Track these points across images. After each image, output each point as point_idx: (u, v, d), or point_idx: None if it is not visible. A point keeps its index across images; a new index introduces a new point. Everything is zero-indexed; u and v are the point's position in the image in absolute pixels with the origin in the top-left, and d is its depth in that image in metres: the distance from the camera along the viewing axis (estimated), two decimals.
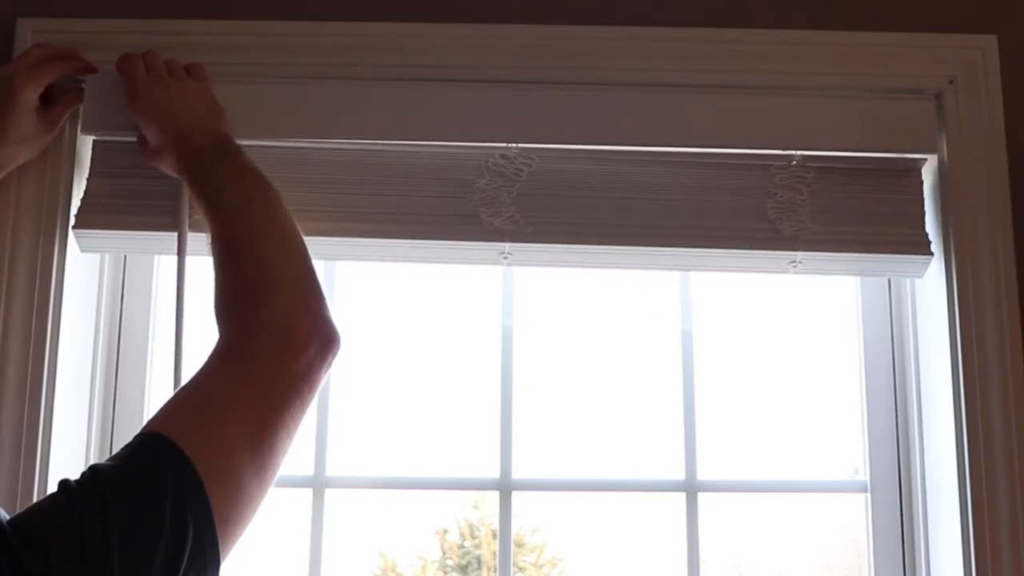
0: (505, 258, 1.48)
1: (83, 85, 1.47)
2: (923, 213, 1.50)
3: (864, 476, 1.59)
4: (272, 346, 1.14)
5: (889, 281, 1.61)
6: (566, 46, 1.51)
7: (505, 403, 1.59)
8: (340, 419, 1.60)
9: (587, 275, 1.65)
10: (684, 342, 1.62)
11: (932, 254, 1.48)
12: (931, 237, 1.50)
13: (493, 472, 1.58)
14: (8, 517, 0.99)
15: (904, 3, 1.55)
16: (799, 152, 1.50)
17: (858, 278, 1.62)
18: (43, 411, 1.40)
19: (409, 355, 1.66)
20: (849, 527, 1.63)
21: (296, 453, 1.58)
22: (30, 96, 1.39)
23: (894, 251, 1.49)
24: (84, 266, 1.51)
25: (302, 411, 1.15)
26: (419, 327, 1.67)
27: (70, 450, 1.48)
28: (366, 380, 1.64)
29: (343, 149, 1.50)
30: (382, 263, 1.61)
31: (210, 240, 1.28)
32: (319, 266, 1.61)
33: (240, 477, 1.06)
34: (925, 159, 1.52)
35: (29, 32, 1.50)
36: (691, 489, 1.58)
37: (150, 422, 1.08)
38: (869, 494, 1.57)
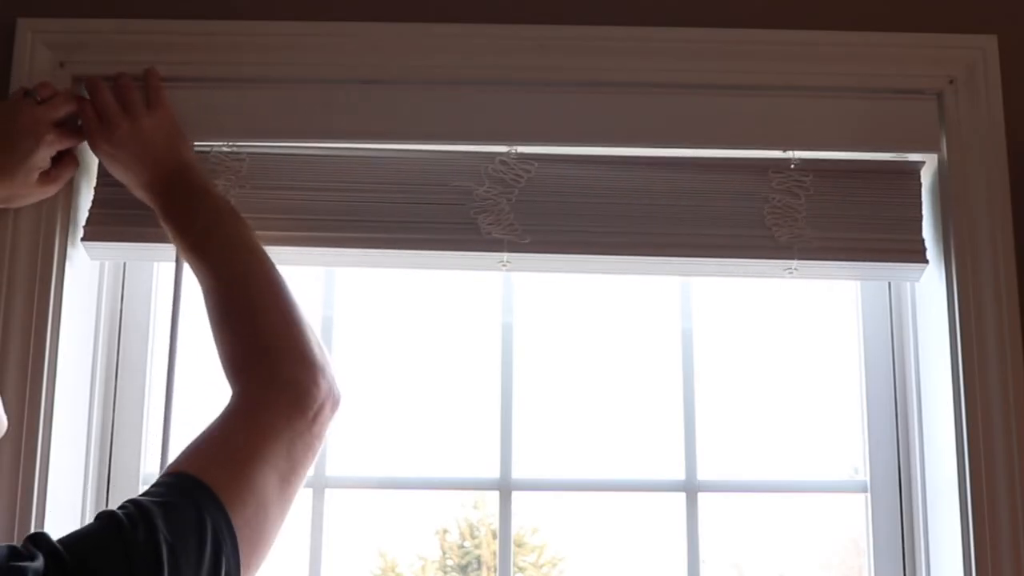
0: (504, 266, 1.49)
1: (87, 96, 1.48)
2: (920, 217, 1.50)
3: (864, 476, 1.59)
4: (292, 410, 1.21)
5: (889, 282, 1.61)
6: (566, 46, 1.51)
7: (505, 403, 1.59)
8: (340, 419, 1.60)
9: (587, 276, 1.65)
10: (684, 342, 1.62)
11: (927, 262, 1.48)
12: (930, 238, 1.50)
13: (493, 472, 1.58)
14: (54, 538, 1.01)
15: (904, 3, 1.55)
16: (798, 153, 1.50)
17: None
18: (43, 411, 1.41)
19: (409, 354, 1.66)
20: (849, 527, 1.63)
21: None
22: (46, 157, 1.40)
23: (890, 258, 1.49)
24: (84, 268, 1.51)
25: (312, 464, 1.24)
26: (419, 326, 1.67)
27: (70, 450, 1.48)
28: (366, 380, 1.64)
29: (340, 155, 1.50)
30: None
31: (203, 291, 1.32)
32: (318, 273, 1.62)
33: (266, 530, 1.14)
34: (923, 161, 1.52)
35: (29, 32, 1.50)
36: (691, 489, 1.58)
37: (179, 463, 1.13)
38: (869, 494, 1.57)
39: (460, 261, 1.50)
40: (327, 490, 1.57)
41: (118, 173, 1.43)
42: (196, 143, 1.49)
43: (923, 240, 1.49)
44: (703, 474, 1.58)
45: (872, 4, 1.55)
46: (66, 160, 1.45)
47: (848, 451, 1.62)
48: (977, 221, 1.47)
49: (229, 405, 1.21)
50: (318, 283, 1.63)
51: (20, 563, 0.95)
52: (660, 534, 1.61)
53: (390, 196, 1.49)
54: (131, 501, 1.06)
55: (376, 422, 1.64)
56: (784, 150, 1.51)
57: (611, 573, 1.62)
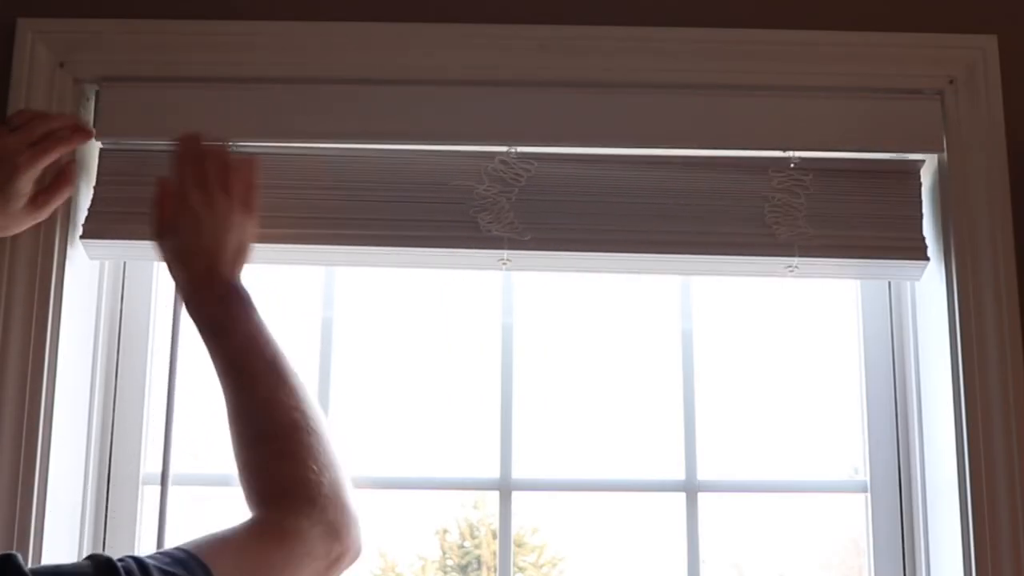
0: (504, 264, 1.49)
1: (88, 96, 1.50)
2: (921, 216, 1.50)
3: (864, 476, 1.59)
4: (319, 550, 1.15)
5: (889, 281, 1.61)
6: (566, 46, 1.51)
7: (505, 403, 1.59)
8: (340, 419, 1.60)
9: (587, 276, 1.65)
10: (684, 342, 1.62)
11: (929, 259, 1.48)
12: (930, 238, 1.50)
13: (493, 472, 1.58)
14: (23, 563, 0.97)
15: (904, 3, 1.55)
16: (798, 153, 1.50)
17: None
18: (43, 412, 1.41)
19: (409, 355, 1.66)
20: (849, 527, 1.63)
21: None
22: (27, 182, 1.36)
23: (891, 256, 1.49)
24: (84, 268, 1.51)
25: None
26: (419, 327, 1.67)
27: (70, 450, 1.48)
28: (366, 380, 1.64)
29: (341, 155, 1.50)
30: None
31: (226, 399, 1.24)
32: (319, 272, 1.62)
33: None
34: (923, 161, 1.52)
35: (29, 32, 1.50)
36: (691, 489, 1.58)
37: (194, 545, 1.08)
38: (869, 494, 1.57)
39: (460, 259, 1.50)
40: None
41: (164, 255, 1.33)
42: None
43: (924, 238, 1.49)
44: (703, 474, 1.58)
45: (872, 4, 1.55)
46: (57, 183, 1.41)
47: (848, 451, 1.62)
48: (977, 221, 1.47)
49: (262, 520, 1.16)
50: (318, 283, 1.63)
51: None
52: (660, 534, 1.61)
53: (390, 195, 1.49)
54: (132, 557, 1.02)
55: (376, 422, 1.64)
56: (784, 150, 1.51)
57: (611, 573, 1.62)
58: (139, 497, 1.55)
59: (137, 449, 1.56)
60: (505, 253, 1.48)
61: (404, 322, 1.67)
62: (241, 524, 1.14)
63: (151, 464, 1.56)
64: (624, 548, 1.62)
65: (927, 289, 1.52)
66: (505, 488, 1.57)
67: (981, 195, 1.48)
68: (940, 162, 1.51)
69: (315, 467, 1.18)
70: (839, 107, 1.50)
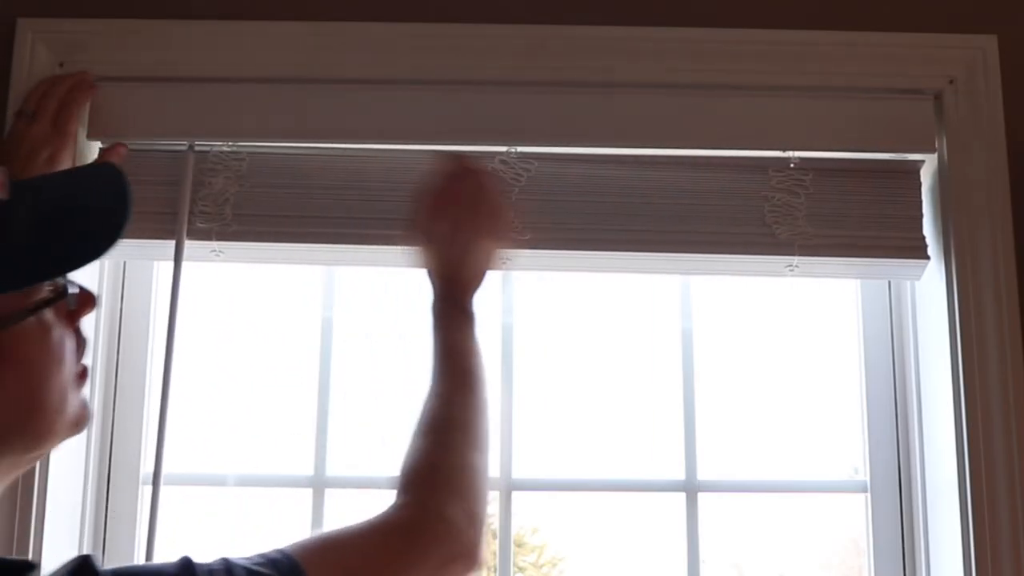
0: (504, 263, 1.48)
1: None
2: (921, 216, 1.50)
3: (864, 476, 1.59)
4: (445, 559, 1.11)
5: (889, 281, 1.61)
6: (566, 46, 1.51)
7: (505, 403, 1.59)
8: (340, 419, 1.60)
9: (587, 275, 1.65)
10: (684, 342, 1.62)
11: (929, 258, 1.48)
12: (930, 238, 1.50)
13: (493, 472, 1.57)
14: (99, 564, 0.92)
15: (904, 3, 1.55)
16: (798, 153, 1.51)
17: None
18: None
19: (409, 355, 1.66)
20: (849, 527, 1.63)
21: (296, 453, 1.59)
22: (68, 158, 1.40)
23: (891, 255, 1.49)
24: (84, 268, 1.51)
25: None
26: (419, 327, 1.67)
27: (70, 450, 1.48)
28: (366, 380, 1.64)
29: (341, 155, 1.50)
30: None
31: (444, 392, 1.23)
32: (319, 272, 1.62)
33: None
34: (923, 160, 1.52)
35: (29, 32, 1.50)
36: (691, 489, 1.58)
37: (300, 548, 1.03)
38: (869, 494, 1.57)
39: None
40: (327, 490, 1.57)
41: (423, 246, 1.31)
42: (196, 143, 1.50)
43: (924, 237, 1.49)
44: (703, 474, 1.58)
45: (872, 4, 1.55)
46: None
47: (848, 451, 1.62)
48: (977, 221, 1.47)
49: (389, 511, 1.12)
50: (318, 283, 1.63)
51: None
52: (660, 534, 1.61)
53: (390, 195, 1.49)
54: (223, 558, 0.97)
55: (376, 422, 1.64)
56: (784, 150, 1.51)
57: (611, 573, 1.62)
58: (139, 497, 1.54)
59: (137, 449, 1.56)
60: (505, 252, 1.47)
61: (404, 322, 1.67)
62: (377, 514, 1.11)
63: (151, 464, 1.55)
64: (624, 548, 1.62)
65: (927, 289, 1.52)
66: (505, 488, 1.57)
67: (981, 195, 1.48)
68: (940, 162, 1.51)
69: (476, 474, 1.17)
70: (839, 107, 1.50)
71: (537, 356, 1.64)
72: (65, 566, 0.88)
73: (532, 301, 1.65)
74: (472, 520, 1.14)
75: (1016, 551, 1.39)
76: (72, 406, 0.92)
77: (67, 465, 1.46)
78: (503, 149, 1.50)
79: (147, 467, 1.56)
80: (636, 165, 1.51)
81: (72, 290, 0.91)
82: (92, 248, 0.90)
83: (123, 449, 1.56)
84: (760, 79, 1.51)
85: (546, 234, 1.48)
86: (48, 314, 0.89)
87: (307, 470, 1.58)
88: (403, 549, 1.08)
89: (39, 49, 1.50)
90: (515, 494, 1.57)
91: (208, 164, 1.49)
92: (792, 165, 1.50)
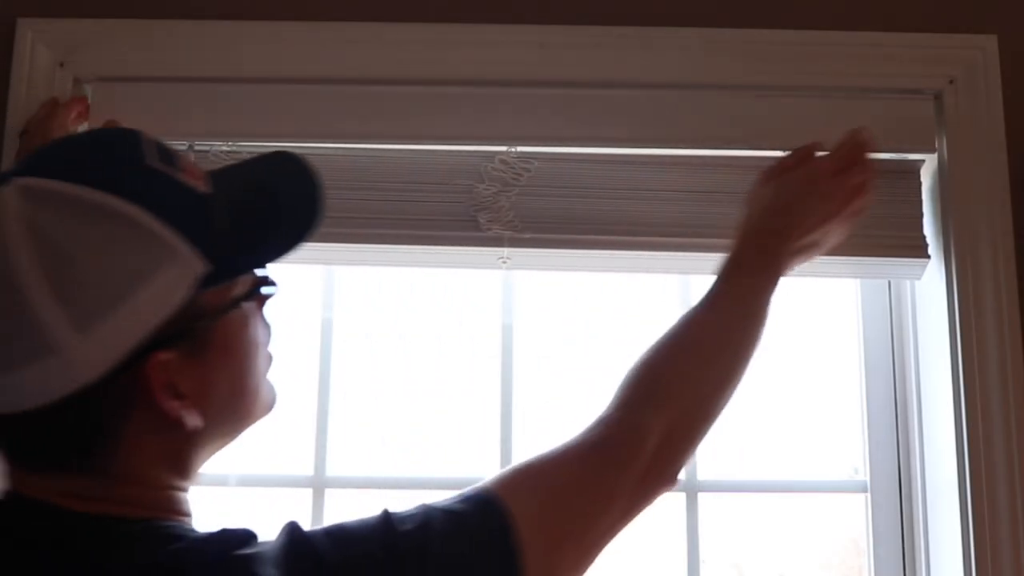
0: (504, 263, 1.49)
1: (88, 96, 1.50)
2: (921, 215, 1.50)
3: (864, 476, 1.59)
4: (639, 474, 1.08)
5: (889, 281, 1.61)
6: (566, 46, 1.51)
7: (505, 403, 1.59)
8: (340, 419, 1.60)
9: (587, 275, 1.65)
10: None
11: (930, 257, 1.49)
12: (930, 237, 1.50)
13: (493, 472, 1.57)
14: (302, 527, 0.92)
15: (904, 3, 1.55)
16: None
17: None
18: None
19: (409, 355, 1.66)
20: (849, 527, 1.63)
21: (296, 453, 1.59)
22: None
23: (891, 254, 1.49)
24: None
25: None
26: (419, 327, 1.67)
27: None
28: (366, 380, 1.64)
29: (340, 155, 1.50)
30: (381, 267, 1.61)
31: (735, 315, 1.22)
32: (319, 272, 1.62)
33: None
34: (924, 160, 1.52)
35: (29, 32, 1.50)
36: (691, 489, 1.58)
37: (497, 482, 1.02)
38: (869, 494, 1.57)
39: (460, 258, 1.50)
40: (327, 490, 1.57)
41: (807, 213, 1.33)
42: (196, 143, 1.50)
43: (924, 236, 1.49)
44: (703, 474, 1.58)
45: (872, 4, 1.55)
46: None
47: (848, 451, 1.62)
48: (977, 221, 1.47)
49: (590, 433, 1.09)
50: (318, 283, 1.63)
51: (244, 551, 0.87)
52: (660, 534, 1.61)
53: (389, 194, 1.49)
54: (422, 503, 0.97)
55: (376, 422, 1.64)
56: (784, 150, 1.50)
57: (611, 573, 1.62)
58: None
59: None
60: (505, 251, 1.48)
61: (404, 322, 1.67)
62: (578, 432, 1.10)
63: None
64: (624, 548, 1.62)
65: (927, 289, 1.52)
66: None
67: (981, 195, 1.48)
68: (940, 162, 1.51)
69: (699, 390, 1.16)
70: (839, 107, 1.50)
71: (537, 356, 1.63)
72: (279, 533, 0.91)
73: (532, 302, 1.65)
74: (671, 436, 1.10)
75: (1016, 551, 1.39)
76: (267, 390, 1.00)
77: None
78: (503, 149, 1.50)
79: None
80: (636, 165, 1.51)
81: (265, 280, 0.96)
82: (290, 239, 0.97)
83: None
84: (760, 79, 1.51)
85: (546, 234, 1.48)
86: (247, 304, 0.94)
87: (307, 470, 1.58)
88: (599, 466, 1.05)
89: (39, 49, 1.50)
90: None
91: (208, 164, 1.49)
92: None
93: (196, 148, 1.49)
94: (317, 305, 1.62)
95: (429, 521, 0.94)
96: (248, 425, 1.00)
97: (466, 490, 1.00)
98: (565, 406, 1.64)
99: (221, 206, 0.93)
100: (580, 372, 1.66)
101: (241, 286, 0.95)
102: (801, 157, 1.40)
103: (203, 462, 0.97)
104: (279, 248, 0.97)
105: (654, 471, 1.10)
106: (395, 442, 1.64)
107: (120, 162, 0.91)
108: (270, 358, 1.02)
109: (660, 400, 1.13)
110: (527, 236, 1.47)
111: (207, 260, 0.89)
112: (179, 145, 1.50)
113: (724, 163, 1.51)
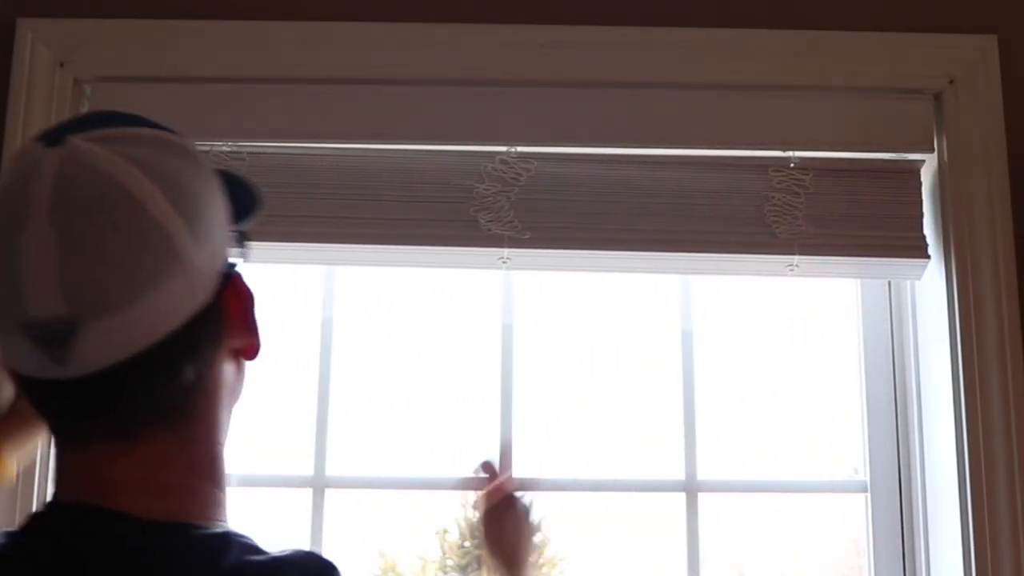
0: (504, 263, 1.49)
1: (88, 96, 1.49)
2: (921, 215, 1.51)
3: (864, 476, 1.59)
4: None
5: (889, 281, 1.61)
6: (566, 46, 1.51)
7: (505, 403, 1.59)
8: (340, 419, 1.60)
9: (587, 275, 1.65)
10: (684, 342, 1.62)
11: (929, 257, 1.49)
12: (930, 238, 1.50)
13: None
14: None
15: (904, 3, 1.55)
16: (798, 153, 1.51)
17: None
18: None
19: (409, 355, 1.66)
20: (849, 527, 1.63)
21: (296, 453, 1.59)
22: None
23: (891, 254, 1.49)
24: None
25: None
26: (419, 327, 1.67)
27: None
28: (366, 380, 1.64)
29: (340, 155, 1.50)
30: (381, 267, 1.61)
31: None
32: (319, 272, 1.62)
33: None
34: (923, 160, 1.52)
35: (29, 32, 1.50)
36: (691, 489, 1.58)
37: None
38: (869, 494, 1.57)
39: (460, 258, 1.50)
40: (327, 490, 1.57)
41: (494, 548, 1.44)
42: (196, 143, 1.49)
43: (924, 236, 1.50)
44: (703, 474, 1.58)
45: (872, 4, 1.55)
46: None
47: (848, 451, 1.62)
48: (977, 221, 1.47)
49: None
50: (318, 283, 1.63)
51: None
52: (660, 534, 1.61)
53: (390, 195, 1.49)
54: None
55: (376, 422, 1.64)
56: (784, 150, 1.51)
57: (611, 573, 1.62)
58: None
59: None
60: (505, 251, 1.48)
61: (404, 322, 1.67)
62: None
63: None
64: (624, 548, 1.62)
65: (927, 289, 1.52)
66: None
67: (981, 195, 1.48)
68: (940, 162, 1.51)
69: None
70: (839, 107, 1.50)
71: (537, 356, 1.63)
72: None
73: (532, 302, 1.65)
74: None
75: (1016, 551, 1.39)
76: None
77: None
78: (503, 149, 1.50)
79: None
80: (636, 165, 1.51)
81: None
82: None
83: None
84: (760, 79, 1.51)
85: (546, 234, 1.48)
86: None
87: (307, 470, 1.58)
88: None
89: (39, 49, 1.50)
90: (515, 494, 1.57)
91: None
92: (792, 165, 1.50)
93: None
94: (317, 305, 1.62)
95: None
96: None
97: None
98: (565, 406, 1.64)
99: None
100: (580, 372, 1.66)
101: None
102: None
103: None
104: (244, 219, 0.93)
105: None
106: (395, 442, 1.63)
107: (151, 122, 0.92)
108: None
109: None
110: (527, 236, 1.47)
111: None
112: None
113: (724, 163, 1.51)
